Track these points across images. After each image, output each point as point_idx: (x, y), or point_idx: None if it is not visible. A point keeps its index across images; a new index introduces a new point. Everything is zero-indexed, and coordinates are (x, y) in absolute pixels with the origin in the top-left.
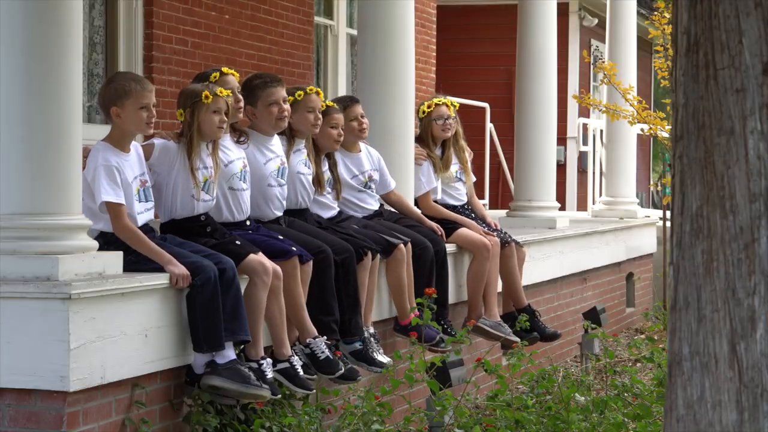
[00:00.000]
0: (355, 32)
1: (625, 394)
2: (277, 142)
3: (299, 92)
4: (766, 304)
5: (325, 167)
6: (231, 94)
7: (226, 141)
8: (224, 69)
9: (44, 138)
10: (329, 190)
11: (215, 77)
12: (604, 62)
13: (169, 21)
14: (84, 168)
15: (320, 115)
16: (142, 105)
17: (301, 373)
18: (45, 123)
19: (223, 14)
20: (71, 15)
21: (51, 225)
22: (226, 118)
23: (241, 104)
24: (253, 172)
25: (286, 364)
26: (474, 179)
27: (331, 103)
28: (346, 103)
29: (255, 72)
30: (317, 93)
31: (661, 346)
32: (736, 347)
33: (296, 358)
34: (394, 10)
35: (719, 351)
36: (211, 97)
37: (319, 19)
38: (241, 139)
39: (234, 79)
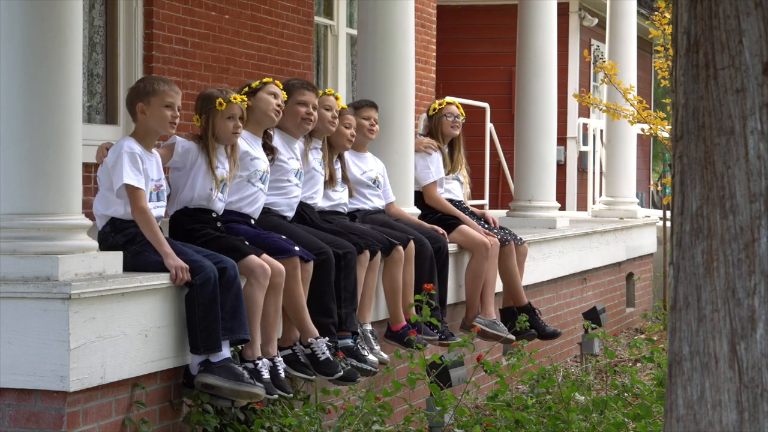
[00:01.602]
0: (355, 32)
1: (625, 394)
2: (299, 147)
3: (319, 91)
4: (766, 304)
5: (337, 166)
6: (246, 99)
7: (258, 144)
8: (266, 79)
9: (44, 138)
10: (340, 187)
11: (266, 81)
12: (604, 62)
13: (169, 21)
14: (104, 158)
15: (337, 115)
16: (167, 103)
17: (282, 375)
18: (45, 123)
19: (223, 14)
20: (71, 15)
21: (51, 225)
22: (240, 124)
23: (281, 102)
24: (278, 164)
25: (269, 364)
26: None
27: (344, 105)
28: (364, 103)
29: (258, 72)
30: (336, 97)
31: (661, 346)
32: (736, 347)
33: (280, 359)
34: (394, 10)
35: (719, 351)
36: (225, 104)
37: (319, 19)
38: (269, 157)
39: (276, 87)
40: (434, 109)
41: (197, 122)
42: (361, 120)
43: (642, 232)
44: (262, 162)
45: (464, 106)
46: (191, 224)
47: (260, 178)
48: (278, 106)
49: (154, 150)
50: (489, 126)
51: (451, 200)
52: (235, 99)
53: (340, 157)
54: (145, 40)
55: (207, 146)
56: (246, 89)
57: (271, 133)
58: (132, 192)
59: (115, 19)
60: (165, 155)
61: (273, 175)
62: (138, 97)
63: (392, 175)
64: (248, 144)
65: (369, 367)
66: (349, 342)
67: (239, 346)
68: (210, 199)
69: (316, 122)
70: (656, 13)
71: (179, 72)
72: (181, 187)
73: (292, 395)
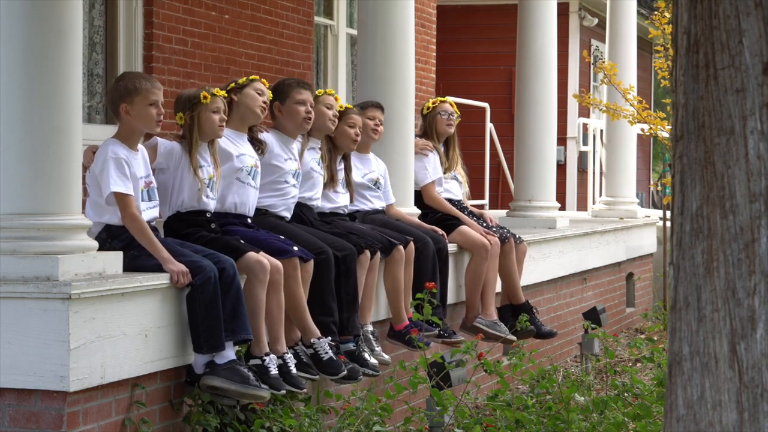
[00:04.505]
0: (355, 32)
1: (625, 394)
2: (296, 147)
3: (319, 90)
4: (766, 304)
5: (341, 167)
6: (226, 95)
7: (243, 140)
8: (252, 77)
9: (44, 138)
10: (341, 189)
11: (253, 78)
12: (604, 62)
13: (169, 21)
14: (91, 162)
15: (336, 114)
16: (151, 102)
17: (294, 371)
18: (45, 123)
19: (223, 14)
20: (71, 15)
21: (51, 225)
22: (225, 117)
23: (267, 100)
24: (274, 165)
25: (280, 361)
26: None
27: (350, 106)
28: (370, 103)
29: (258, 72)
30: (335, 98)
31: (661, 346)
32: (736, 347)
33: (290, 355)
34: (394, 10)
35: (719, 351)
36: (209, 97)
37: (319, 19)
38: (258, 150)
39: (263, 85)
40: (428, 108)
41: (180, 121)
42: (366, 120)
43: (642, 232)
44: (249, 157)
45: (464, 106)
46: (185, 229)
47: (249, 174)
48: (264, 103)
49: (139, 145)
50: (489, 126)
51: (450, 200)
52: (217, 92)
53: (345, 159)
54: (145, 40)
55: (190, 144)
56: (232, 85)
57: (259, 129)
58: (121, 199)
59: (115, 19)
60: (148, 156)
61: (270, 177)
62: (121, 97)
63: (392, 175)
64: (231, 142)
65: (371, 371)
66: (351, 346)
67: (247, 345)
68: (200, 200)
69: (314, 120)
70: (656, 13)
71: (179, 72)
72: (170, 191)
73: (304, 390)
